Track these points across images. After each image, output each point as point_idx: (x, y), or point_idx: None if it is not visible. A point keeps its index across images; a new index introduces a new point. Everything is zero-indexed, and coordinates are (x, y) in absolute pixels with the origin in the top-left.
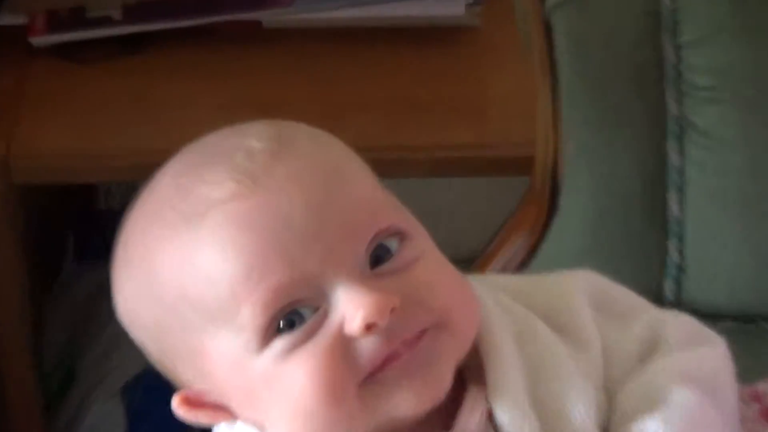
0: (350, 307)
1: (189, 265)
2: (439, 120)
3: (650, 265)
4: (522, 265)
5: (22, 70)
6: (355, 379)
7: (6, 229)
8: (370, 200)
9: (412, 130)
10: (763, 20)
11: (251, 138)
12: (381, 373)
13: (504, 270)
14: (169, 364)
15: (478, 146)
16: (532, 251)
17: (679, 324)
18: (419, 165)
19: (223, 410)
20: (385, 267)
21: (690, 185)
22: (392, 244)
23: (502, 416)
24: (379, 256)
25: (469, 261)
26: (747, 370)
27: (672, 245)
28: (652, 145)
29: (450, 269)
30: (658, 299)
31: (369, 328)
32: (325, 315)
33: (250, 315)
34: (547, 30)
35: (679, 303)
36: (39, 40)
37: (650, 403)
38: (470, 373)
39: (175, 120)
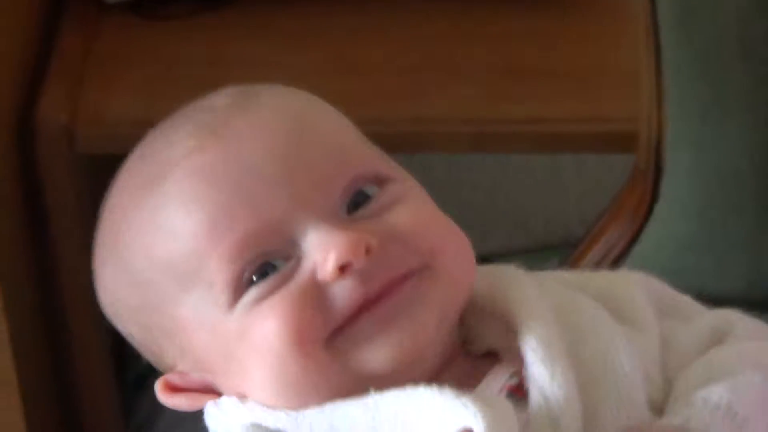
0: (321, 249)
1: (153, 227)
2: (544, 90)
3: (761, 259)
4: (623, 254)
5: (91, 27)
6: (327, 326)
7: (72, 204)
8: (343, 147)
9: (515, 101)
10: None
11: (216, 97)
12: (355, 325)
13: (603, 259)
14: (155, 348)
15: (587, 120)
16: (635, 238)
17: (747, 321)
18: (521, 139)
19: (206, 391)
20: (362, 212)
21: None
22: (372, 189)
23: (533, 369)
24: (357, 202)
25: (571, 245)
26: None
27: None
28: (764, 126)
29: (437, 211)
30: None
31: (342, 269)
32: (298, 264)
33: (216, 268)
34: None
35: None
36: None
37: (716, 377)
38: (506, 356)
39: (254, 84)
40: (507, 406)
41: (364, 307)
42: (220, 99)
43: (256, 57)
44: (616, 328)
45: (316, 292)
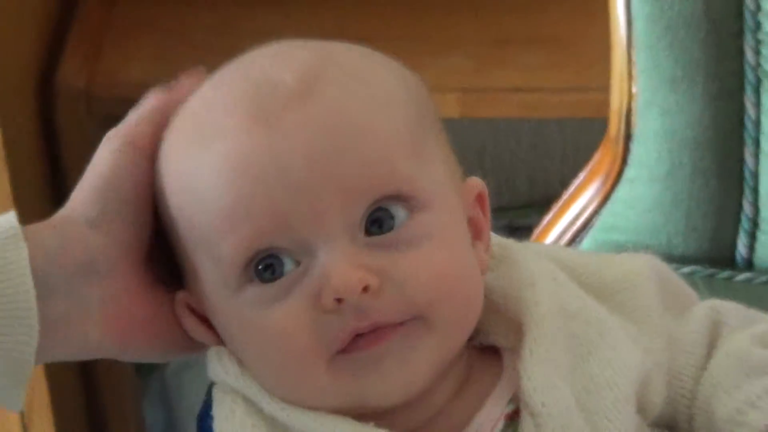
0: (323, 275)
1: (190, 185)
2: (528, 60)
3: (723, 220)
4: (595, 214)
5: None
6: (328, 350)
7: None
8: (385, 161)
9: (501, 70)
10: None
11: (286, 69)
12: (353, 354)
13: (577, 218)
14: (178, 254)
15: (567, 88)
16: (607, 199)
17: (731, 307)
18: (507, 105)
19: (211, 328)
20: (382, 238)
21: (766, 138)
22: (399, 212)
23: (529, 394)
24: (380, 221)
25: (547, 204)
26: None
27: (746, 200)
28: (727, 96)
29: (458, 259)
30: (731, 256)
31: (339, 301)
32: (305, 273)
33: (227, 250)
34: None
35: (751, 260)
36: None
37: (746, 369)
38: (508, 359)
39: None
40: None
41: (356, 341)
42: (288, 76)
43: (266, 27)
44: (618, 332)
45: (316, 313)
